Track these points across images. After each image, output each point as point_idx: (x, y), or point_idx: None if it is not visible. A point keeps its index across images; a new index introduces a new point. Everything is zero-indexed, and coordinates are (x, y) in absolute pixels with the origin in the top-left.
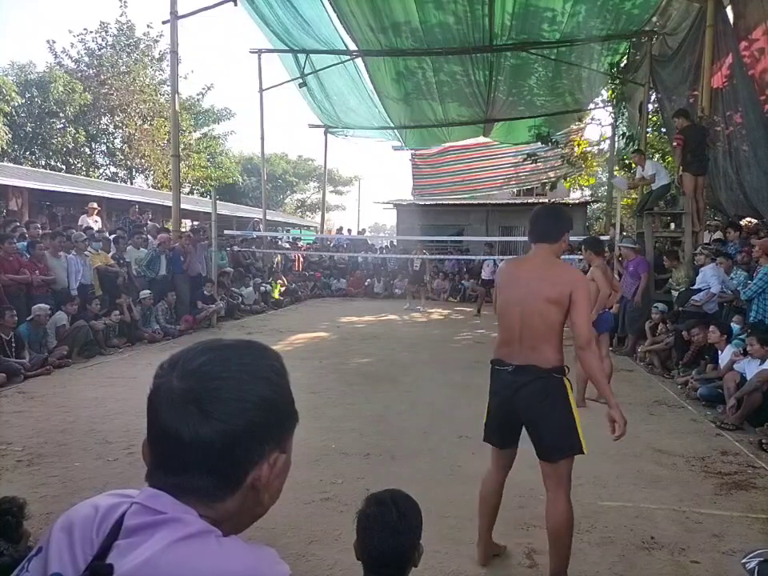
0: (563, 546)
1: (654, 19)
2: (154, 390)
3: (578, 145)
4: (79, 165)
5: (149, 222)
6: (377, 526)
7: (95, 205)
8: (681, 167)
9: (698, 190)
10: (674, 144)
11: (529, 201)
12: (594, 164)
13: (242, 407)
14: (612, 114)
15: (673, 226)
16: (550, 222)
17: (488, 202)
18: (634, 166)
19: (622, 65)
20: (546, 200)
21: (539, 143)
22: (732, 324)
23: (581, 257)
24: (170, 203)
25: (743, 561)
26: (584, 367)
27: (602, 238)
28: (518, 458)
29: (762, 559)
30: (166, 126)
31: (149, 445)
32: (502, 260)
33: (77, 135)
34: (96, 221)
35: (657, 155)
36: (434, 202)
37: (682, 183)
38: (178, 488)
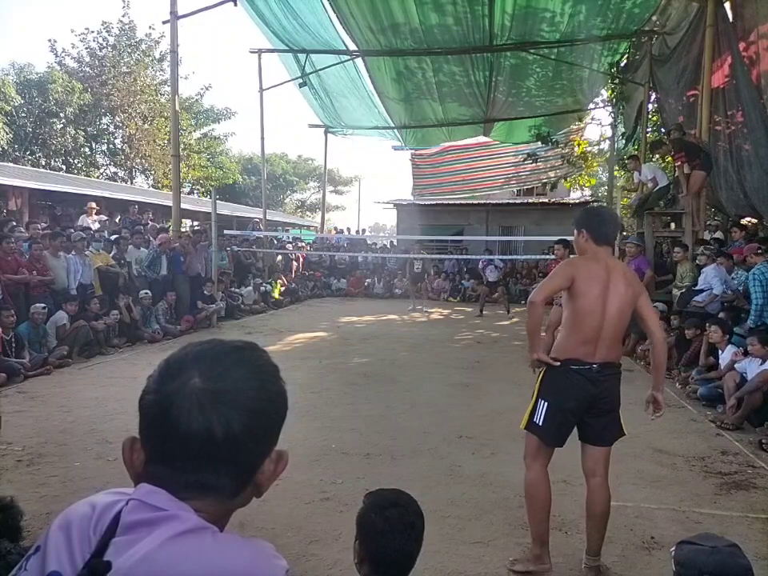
0: (606, 525)
1: (654, 18)
2: (171, 392)
3: (578, 145)
4: (79, 165)
5: (149, 222)
6: (399, 527)
7: (94, 204)
8: (694, 167)
9: (700, 188)
10: (677, 164)
11: (529, 201)
12: (595, 164)
13: (263, 406)
14: (612, 114)
15: (673, 225)
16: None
17: (488, 201)
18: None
19: (622, 64)
20: (546, 200)
21: (539, 143)
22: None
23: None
24: (170, 203)
25: (671, 550)
26: (661, 357)
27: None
28: (519, 459)
29: (677, 542)
30: (166, 126)
31: (153, 445)
32: (501, 260)
33: (76, 135)
34: (95, 221)
35: (656, 155)
36: (434, 202)
37: (689, 181)
38: (193, 487)
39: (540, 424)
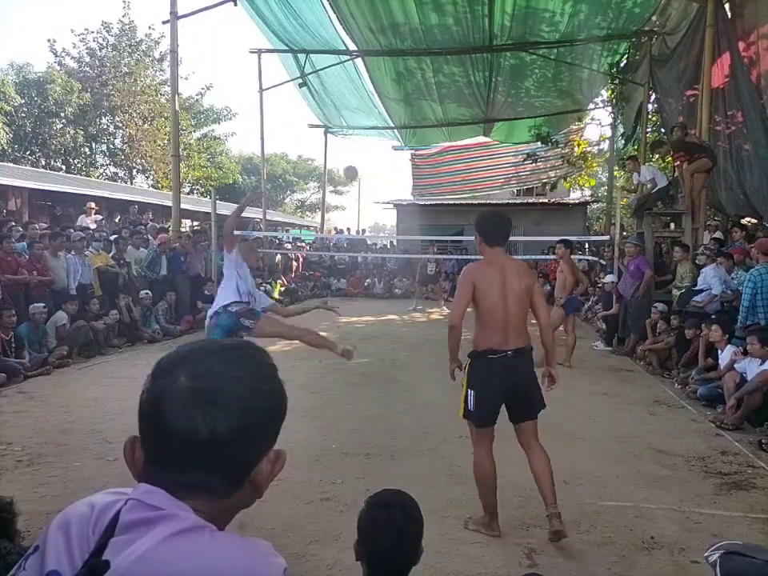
0: (552, 478)
1: (654, 18)
2: (158, 391)
3: (578, 145)
4: (79, 165)
5: (149, 222)
6: (386, 528)
7: (93, 204)
8: (698, 159)
9: (697, 169)
10: (677, 164)
11: (529, 201)
12: (594, 164)
13: (252, 405)
14: (611, 114)
15: (673, 225)
16: (506, 229)
17: (488, 202)
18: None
19: (622, 65)
20: (546, 200)
21: (539, 143)
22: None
23: (580, 256)
24: (170, 203)
25: (706, 554)
26: (548, 339)
27: (603, 237)
28: (518, 459)
29: (723, 551)
30: (166, 127)
31: (148, 444)
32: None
33: (76, 135)
34: (95, 220)
35: (656, 155)
36: (434, 202)
37: (696, 165)
38: (185, 486)
39: (473, 410)
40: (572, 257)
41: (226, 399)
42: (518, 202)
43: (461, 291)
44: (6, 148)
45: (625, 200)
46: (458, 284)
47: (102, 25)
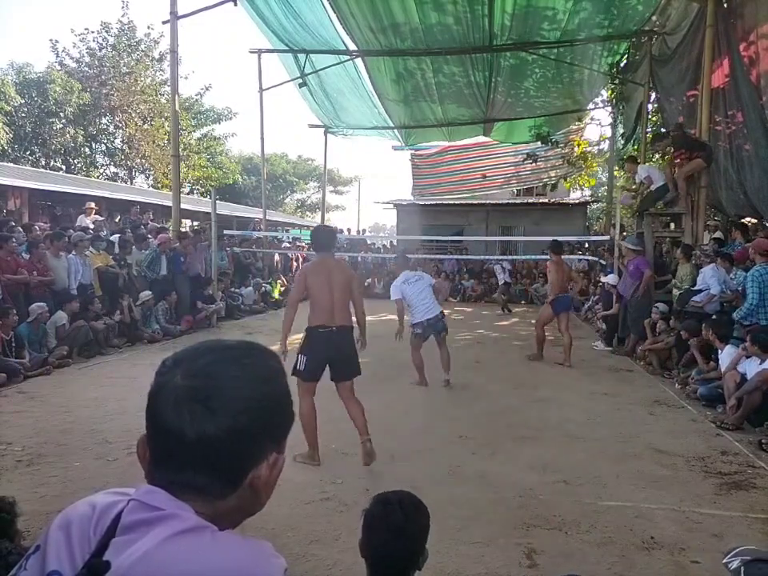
0: (365, 419)
1: (654, 18)
2: (156, 388)
3: (578, 145)
4: (79, 165)
5: (149, 222)
6: (381, 525)
7: (92, 204)
8: (695, 158)
9: (691, 171)
10: (677, 161)
11: (529, 201)
12: (594, 164)
13: (246, 406)
14: (611, 114)
15: (673, 225)
16: (328, 239)
17: (488, 201)
18: (629, 174)
19: (622, 65)
20: (546, 200)
21: (539, 143)
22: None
23: (580, 256)
24: (170, 203)
25: (725, 561)
26: (360, 317)
27: (603, 237)
28: (519, 459)
29: (747, 558)
30: (166, 126)
31: (149, 443)
32: (505, 261)
33: (76, 135)
34: (93, 221)
35: (656, 149)
36: (434, 202)
37: (691, 167)
38: (179, 485)
39: (302, 369)
40: (571, 256)
41: (219, 399)
42: (518, 201)
43: (297, 283)
44: (6, 148)
45: (617, 195)
46: (295, 277)
47: (101, 25)
